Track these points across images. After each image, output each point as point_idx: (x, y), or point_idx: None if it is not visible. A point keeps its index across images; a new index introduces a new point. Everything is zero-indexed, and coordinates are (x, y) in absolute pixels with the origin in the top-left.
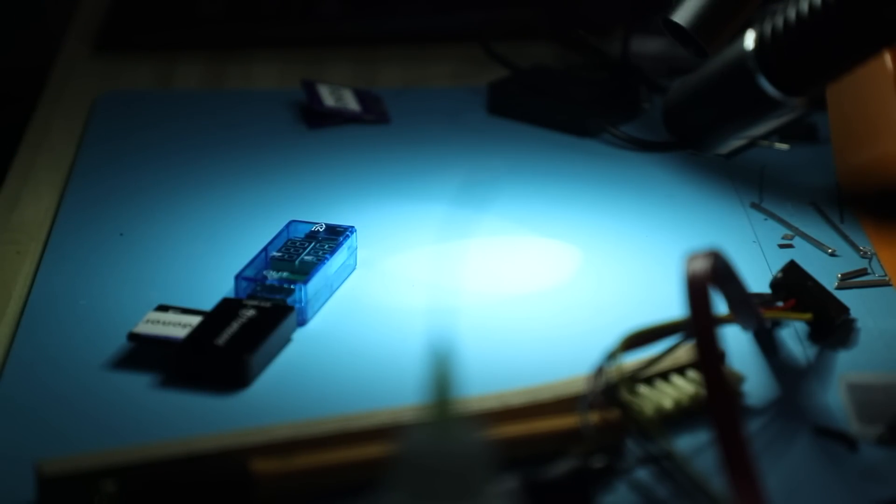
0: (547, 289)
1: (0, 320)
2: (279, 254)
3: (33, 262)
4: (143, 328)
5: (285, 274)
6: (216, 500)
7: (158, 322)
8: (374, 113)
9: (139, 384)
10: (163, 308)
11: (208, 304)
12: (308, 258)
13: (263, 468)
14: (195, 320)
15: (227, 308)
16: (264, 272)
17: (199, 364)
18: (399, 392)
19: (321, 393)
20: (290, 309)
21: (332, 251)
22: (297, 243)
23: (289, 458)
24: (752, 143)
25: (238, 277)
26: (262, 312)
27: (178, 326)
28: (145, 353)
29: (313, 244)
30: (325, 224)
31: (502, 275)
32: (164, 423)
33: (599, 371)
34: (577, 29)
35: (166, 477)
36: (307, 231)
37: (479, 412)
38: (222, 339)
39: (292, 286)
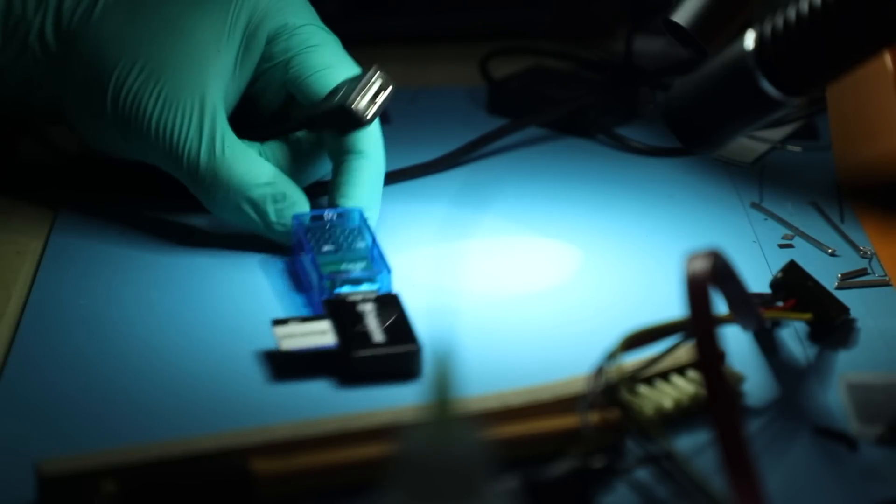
0: (547, 289)
1: (0, 320)
2: (330, 247)
3: (33, 262)
4: (289, 343)
5: (361, 263)
6: (216, 500)
7: (294, 335)
8: None
9: (139, 384)
10: (281, 322)
11: (209, 303)
12: (359, 245)
13: (263, 468)
14: (325, 325)
15: (339, 308)
16: (342, 267)
17: (368, 364)
18: (399, 392)
19: (322, 393)
20: (394, 296)
21: (368, 230)
22: (334, 233)
23: (289, 458)
24: (773, 148)
25: (320, 280)
26: (377, 303)
27: (317, 335)
28: (145, 353)
29: (351, 230)
30: (335, 213)
31: (502, 275)
32: (165, 423)
33: (599, 371)
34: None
35: (166, 477)
36: (320, 224)
37: (479, 412)
38: (377, 336)
39: (366, 274)
